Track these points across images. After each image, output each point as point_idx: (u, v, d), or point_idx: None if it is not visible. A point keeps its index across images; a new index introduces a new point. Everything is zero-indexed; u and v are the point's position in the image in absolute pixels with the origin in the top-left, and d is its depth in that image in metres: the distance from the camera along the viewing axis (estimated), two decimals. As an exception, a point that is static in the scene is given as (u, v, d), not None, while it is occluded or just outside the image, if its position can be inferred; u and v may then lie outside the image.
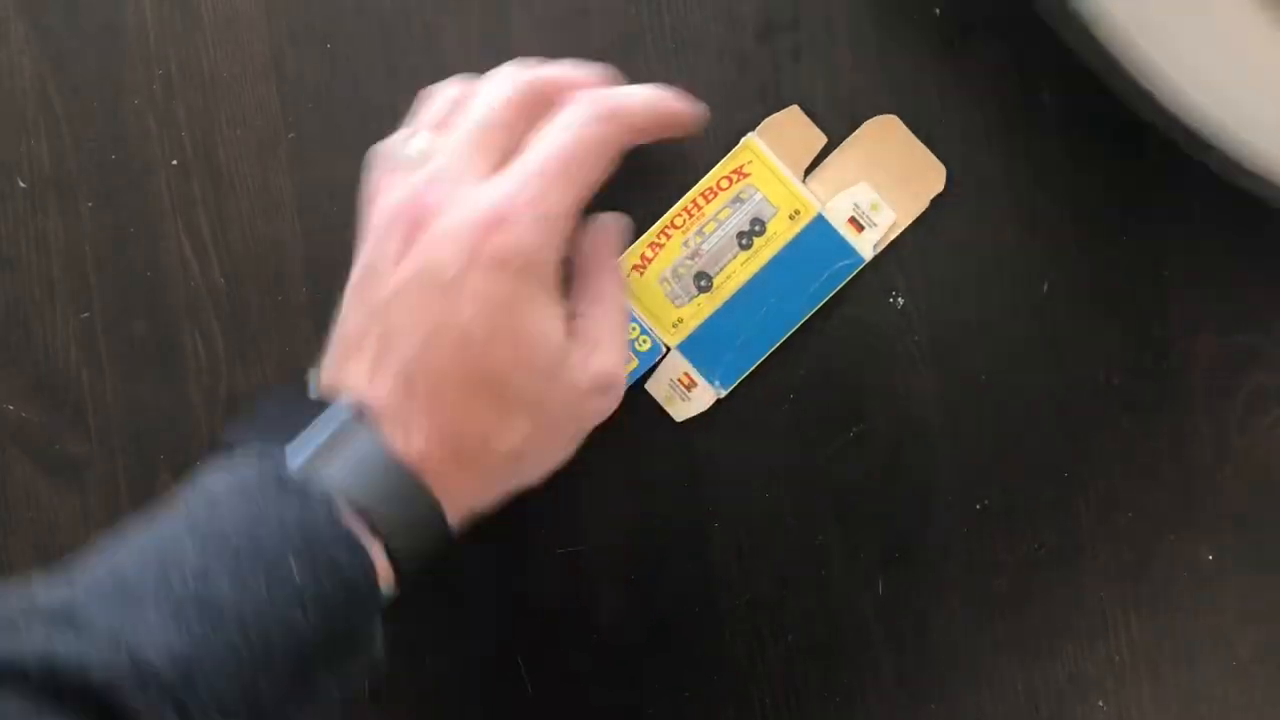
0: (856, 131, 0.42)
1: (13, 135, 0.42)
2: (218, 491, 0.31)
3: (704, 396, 0.42)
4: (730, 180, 0.42)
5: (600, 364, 0.37)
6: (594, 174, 0.36)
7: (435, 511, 0.34)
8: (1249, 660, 0.43)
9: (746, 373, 0.42)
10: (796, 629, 0.43)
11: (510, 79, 0.37)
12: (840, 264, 0.42)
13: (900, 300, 0.43)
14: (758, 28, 0.42)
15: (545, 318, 0.35)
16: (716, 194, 0.42)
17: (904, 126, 0.42)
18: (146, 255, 0.42)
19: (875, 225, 0.42)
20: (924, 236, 0.42)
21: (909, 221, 0.42)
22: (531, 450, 0.36)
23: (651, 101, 0.37)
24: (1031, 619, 0.43)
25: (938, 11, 0.42)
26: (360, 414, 0.33)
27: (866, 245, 0.42)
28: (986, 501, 0.43)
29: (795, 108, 0.42)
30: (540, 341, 0.35)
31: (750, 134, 0.42)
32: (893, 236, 0.42)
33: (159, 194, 0.42)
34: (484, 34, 0.43)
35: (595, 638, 0.43)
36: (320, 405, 0.34)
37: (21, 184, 0.42)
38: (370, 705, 0.43)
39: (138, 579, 0.29)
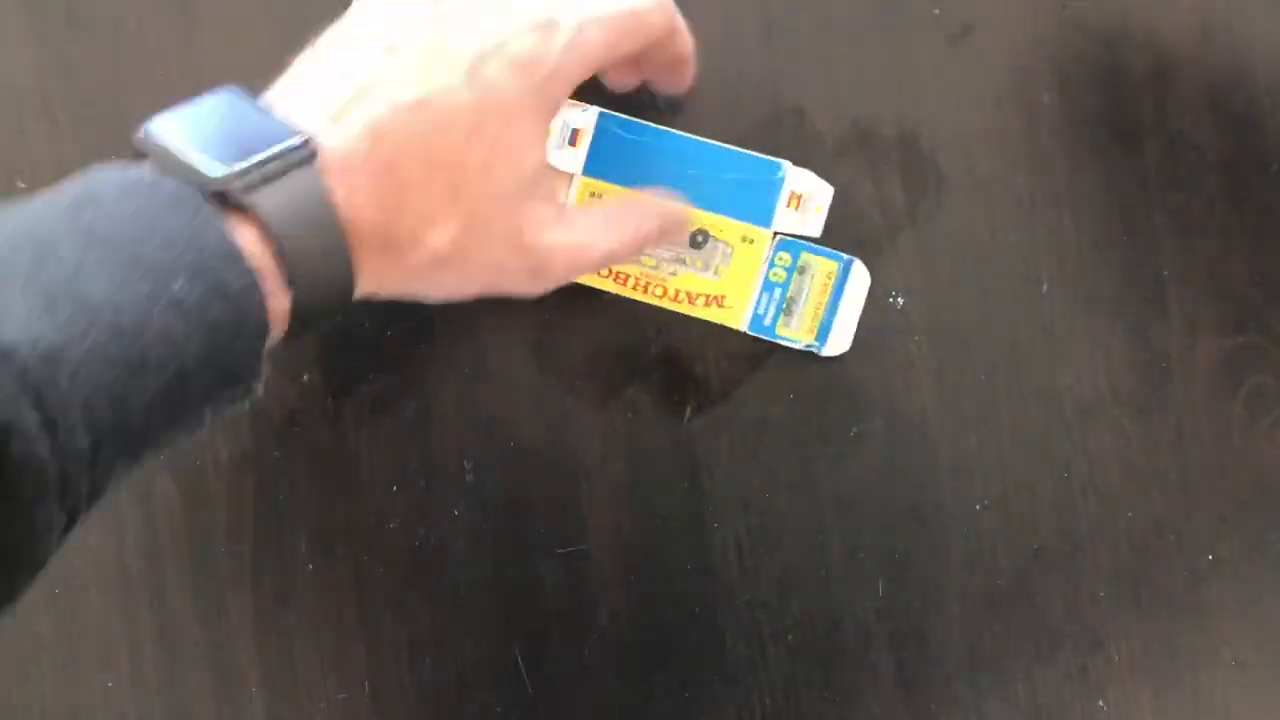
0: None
1: (13, 135, 0.42)
2: (106, 188, 0.29)
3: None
4: None
5: (553, 240, 0.35)
6: (629, 45, 0.35)
7: (348, 274, 0.31)
8: (1249, 660, 0.43)
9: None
10: (796, 629, 0.43)
11: None
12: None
13: (900, 300, 0.43)
14: (758, 28, 0.42)
15: (535, 144, 0.34)
16: None
17: None
18: (146, 255, 0.42)
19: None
20: (924, 236, 0.42)
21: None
22: (449, 264, 0.33)
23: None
24: (1031, 619, 0.43)
25: (937, 12, 0.42)
26: (312, 152, 0.30)
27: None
28: (986, 501, 0.43)
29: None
30: (519, 160, 0.33)
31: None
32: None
33: (159, 194, 0.42)
34: (484, 34, 0.42)
35: (595, 638, 0.43)
36: (266, 121, 0.31)
37: (21, 184, 0.42)
38: (370, 705, 0.43)
39: (8, 261, 0.26)
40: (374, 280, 0.32)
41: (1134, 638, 0.43)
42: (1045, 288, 0.43)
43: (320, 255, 0.30)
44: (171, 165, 0.30)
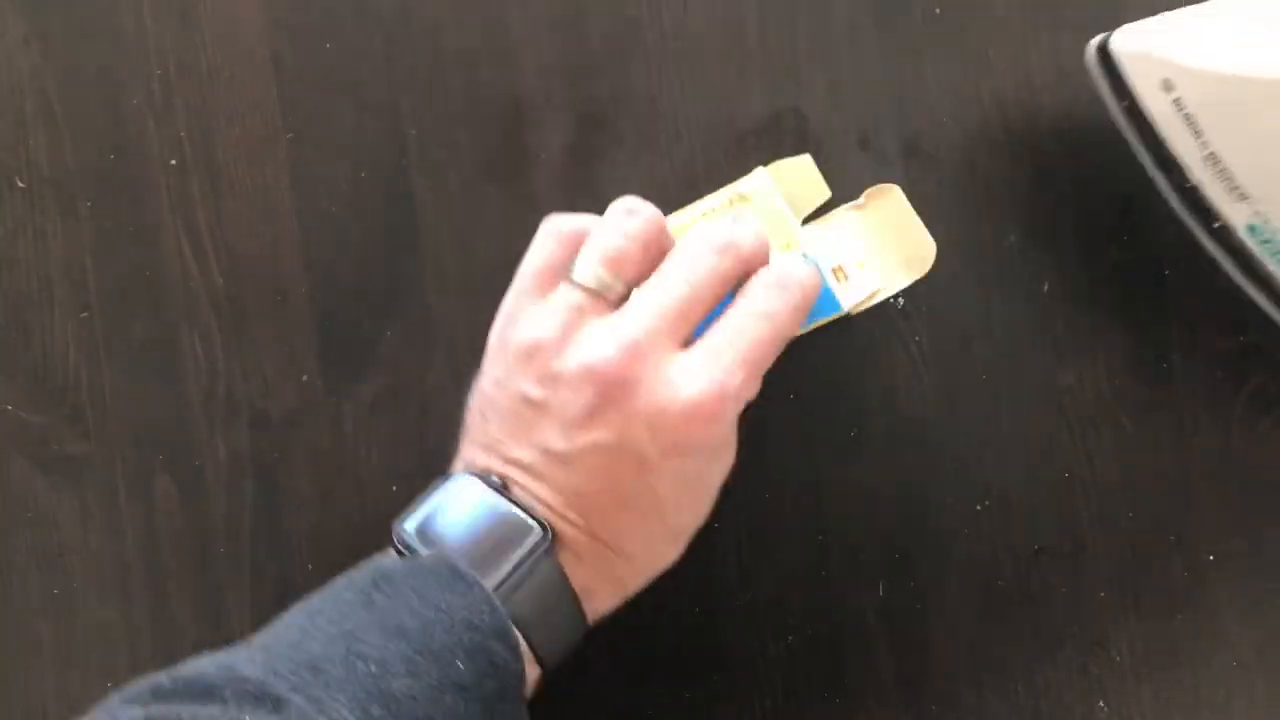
0: (861, 196, 0.42)
1: (12, 135, 0.42)
2: (393, 571, 0.34)
3: (867, 283, 0.42)
4: (733, 202, 0.42)
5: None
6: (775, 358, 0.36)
7: (583, 625, 0.36)
8: (1249, 660, 0.43)
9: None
10: (796, 629, 0.43)
11: (713, 249, 0.35)
12: (821, 307, 0.42)
13: (900, 300, 0.43)
14: (758, 28, 0.42)
15: (725, 473, 0.37)
16: (716, 210, 0.42)
17: (905, 199, 0.42)
18: (146, 255, 0.42)
19: (859, 285, 0.42)
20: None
21: (892, 291, 0.42)
22: (652, 561, 0.37)
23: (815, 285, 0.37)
24: (1031, 619, 0.43)
25: (938, 11, 0.42)
26: (551, 541, 0.34)
27: (847, 298, 0.42)
28: (986, 501, 0.43)
29: (807, 157, 0.42)
30: (717, 493, 0.37)
31: (762, 166, 0.42)
32: (873, 302, 0.42)
33: (158, 194, 0.42)
34: (484, 34, 0.43)
35: (595, 638, 0.43)
36: (510, 515, 0.34)
37: (20, 184, 0.42)
38: (370, 705, 0.43)
39: (326, 662, 0.31)
40: (595, 613, 0.36)
41: (1134, 637, 0.43)
42: (1046, 287, 0.43)
43: (561, 626, 0.35)
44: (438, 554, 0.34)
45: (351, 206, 0.43)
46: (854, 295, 0.42)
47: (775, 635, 0.43)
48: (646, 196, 0.42)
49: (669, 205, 0.42)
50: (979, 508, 0.43)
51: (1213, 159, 0.35)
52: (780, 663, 0.43)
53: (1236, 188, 0.35)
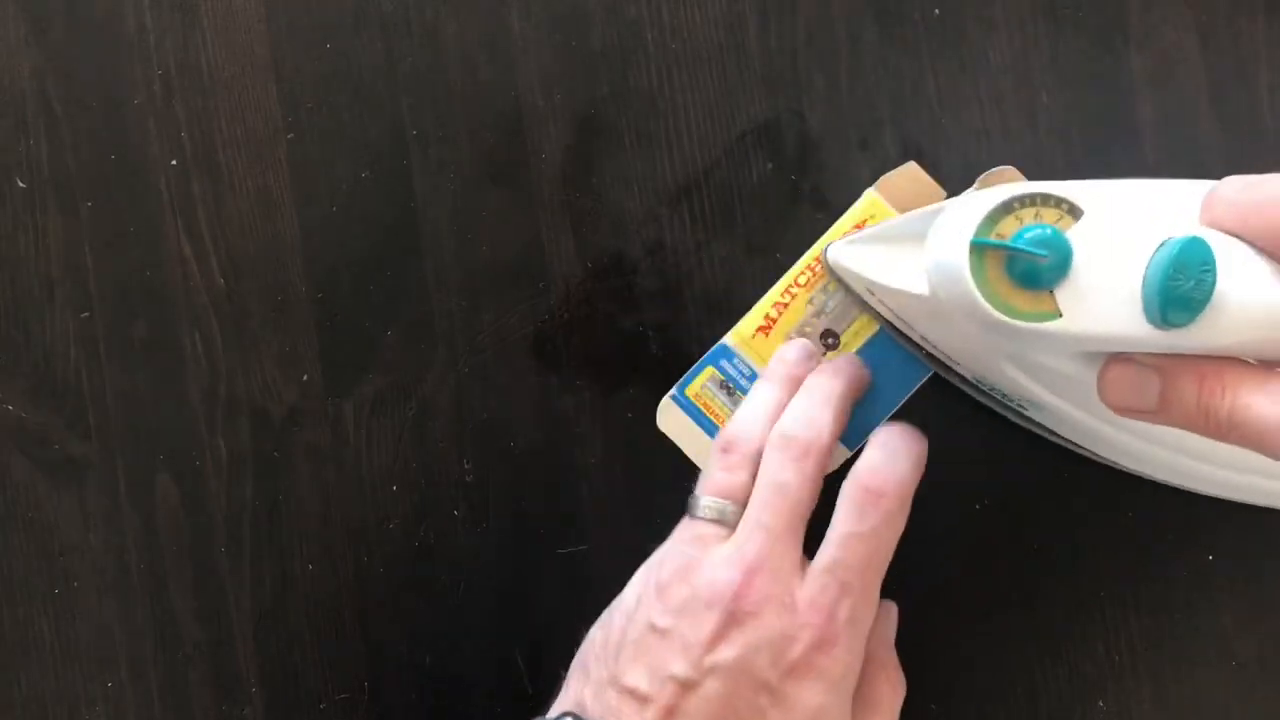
0: (976, 182, 0.42)
1: (12, 135, 0.42)
2: None
3: (833, 455, 0.41)
4: (846, 234, 0.42)
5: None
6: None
7: None
8: (1249, 660, 0.43)
9: (877, 428, 0.42)
10: (796, 629, 0.43)
11: (792, 458, 0.37)
12: None
13: (900, 300, 0.43)
14: (758, 28, 0.42)
15: (848, 701, 0.36)
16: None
17: (1022, 176, 0.41)
18: (146, 255, 0.42)
19: None
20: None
21: None
22: None
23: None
24: (1031, 619, 0.43)
25: (937, 12, 0.42)
26: None
27: None
28: (986, 501, 0.43)
29: (913, 163, 0.42)
30: None
31: (870, 189, 0.42)
32: None
33: (159, 194, 0.42)
34: (484, 34, 0.43)
35: (595, 638, 0.43)
36: None
37: (21, 184, 0.42)
38: (370, 705, 0.43)
39: None
40: None
41: (1134, 637, 0.43)
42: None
43: None
44: None
45: (351, 206, 0.43)
46: None
47: (775, 635, 0.43)
48: (646, 196, 0.42)
49: (670, 205, 0.42)
50: (979, 508, 0.43)
51: (925, 340, 0.40)
52: (780, 663, 0.43)
53: (952, 362, 0.40)
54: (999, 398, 0.40)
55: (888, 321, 0.40)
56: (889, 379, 0.42)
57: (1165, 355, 0.32)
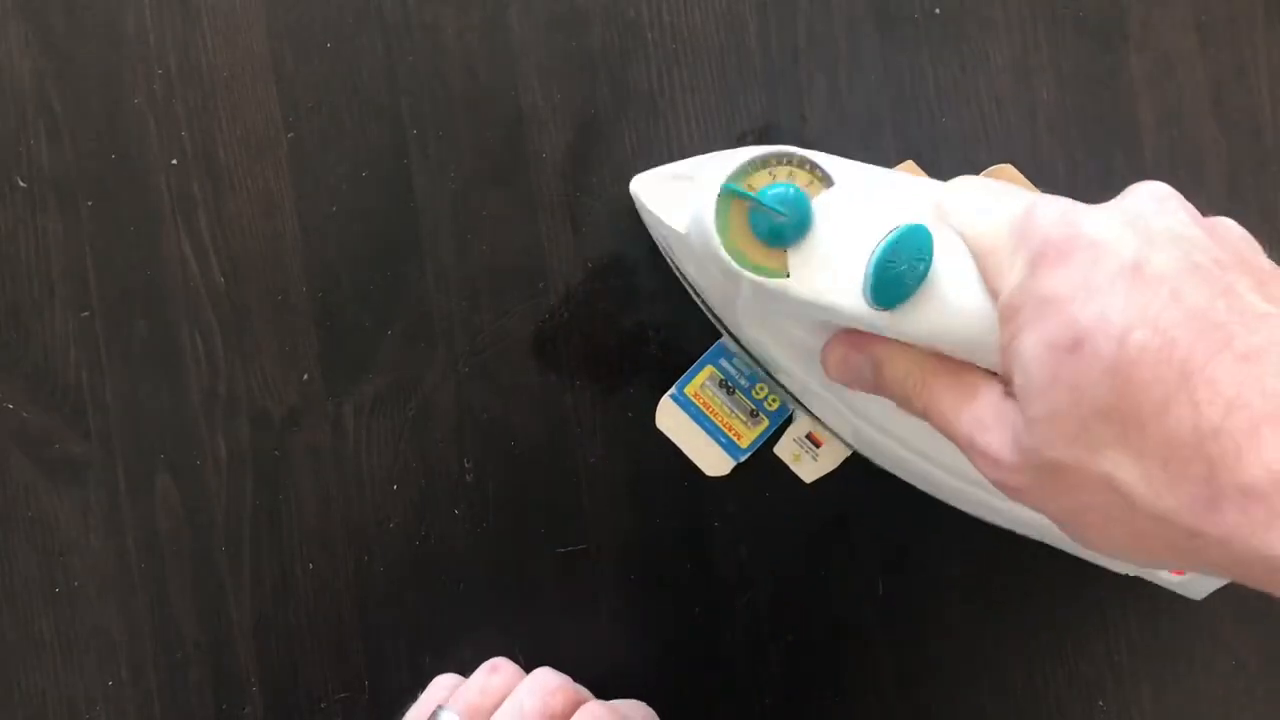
0: None
1: (12, 135, 0.42)
2: None
3: (832, 454, 0.42)
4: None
5: None
6: None
7: None
8: (1249, 660, 0.43)
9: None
10: (796, 629, 0.43)
11: (544, 701, 0.37)
12: None
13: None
14: (758, 28, 0.42)
15: None
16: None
17: (1019, 174, 0.42)
18: (146, 255, 0.42)
19: None
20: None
21: None
22: None
23: None
24: (1032, 619, 0.43)
25: (937, 11, 0.42)
26: None
27: None
28: (986, 501, 0.43)
29: (910, 163, 0.42)
30: None
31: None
32: None
33: (159, 194, 0.42)
34: (484, 34, 0.43)
35: (595, 637, 0.43)
36: None
37: (21, 183, 0.42)
38: (370, 705, 0.43)
39: None
40: None
41: (1134, 637, 0.43)
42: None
43: None
44: None
45: (351, 206, 0.43)
46: None
47: (775, 635, 0.43)
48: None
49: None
50: (979, 508, 0.43)
51: (693, 284, 0.40)
52: (780, 663, 0.43)
53: (714, 311, 0.40)
54: (753, 356, 0.41)
55: (672, 263, 0.41)
56: None
57: (879, 340, 0.33)
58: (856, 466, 0.43)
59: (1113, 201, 0.30)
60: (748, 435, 0.42)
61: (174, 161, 0.42)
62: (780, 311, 0.36)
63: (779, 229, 0.32)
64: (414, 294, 0.43)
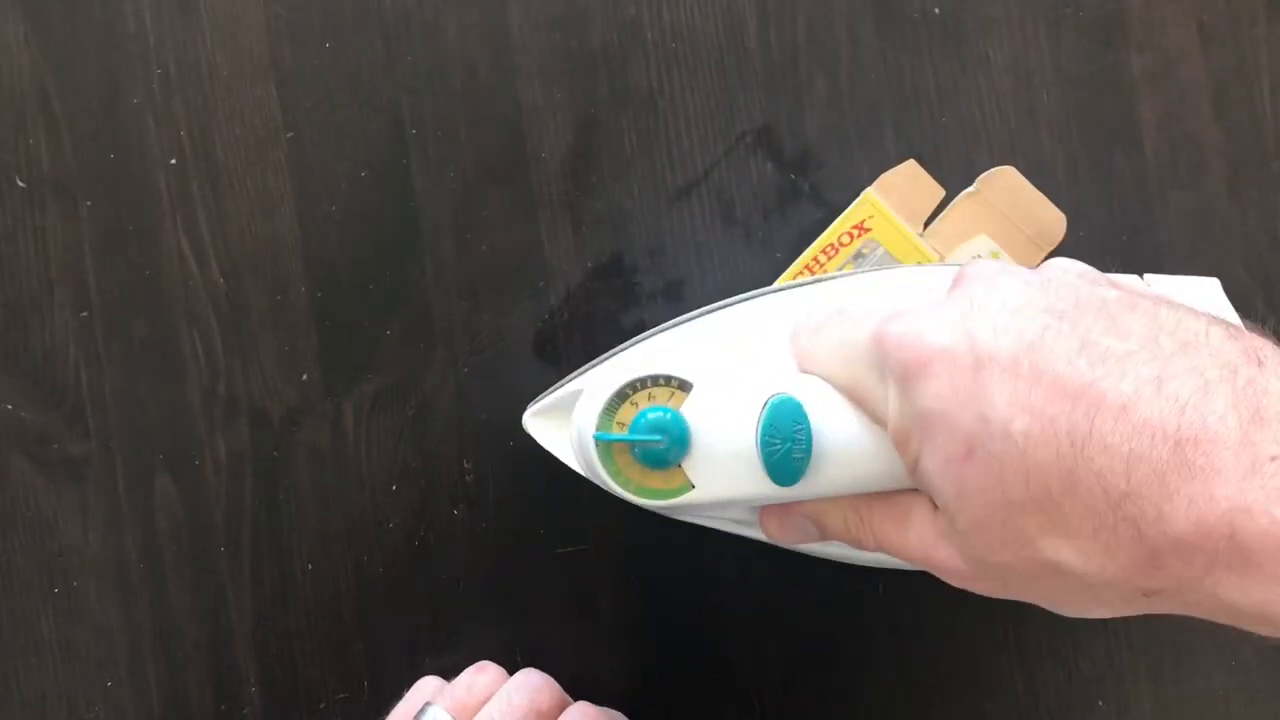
0: (974, 183, 0.42)
1: (12, 135, 0.42)
2: None
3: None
4: (851, 235, 0.42)
5: None
6: None
7: None
8: (1249, 660, 0.43)
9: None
10: (796, 629, 0.43)
11: (530, 698, 0.37)
12: None
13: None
14: (758, 28, 0.42)
15: None
16: (838, 250, 0.42)
17: (1021, 176, 0.42)
18: (146, 255, 0.42)
19: None
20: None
21: None
22: None
23: None
24: (1031, 619, 0.43)
25: (937, 11, 0.42)
26: None
27: None
28: (986, 501, 0.43)
29: (912, 162, 0.42)
30: None
31: (869, 188, 0.42)
32: None
33: (158, 194, 0.42)
34: (483, 34, 0.43)
35: (595, 638, 0.43)
36: None
37: (20, 183, 0.42)
38: (370, 705, 0.43)
39: None
40: None
41: (1134, 637, 0.43)
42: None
43: None
44: None
45: (351, 206, 0.43)
46: None
47: (775, 635, 0.43)
48: (645, 197, 0.42)
49: (670, 207, 0.42)
50: (979, 508, 0.43)
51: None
52: (780, 663, 0.43)
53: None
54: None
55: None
56: None
57: (807, 503, 0.34)
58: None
59: (948, 294, 0.30)
60: None
61: (173, 161, 0.42)
62: (706, 514, 0.37)
63: (662, 454, 0.33)
64: (414, 294, 0.43)
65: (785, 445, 0.31)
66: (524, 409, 0.42)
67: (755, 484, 0.32)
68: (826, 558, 0.41)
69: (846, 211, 0.42)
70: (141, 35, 0.42)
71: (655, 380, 0.34)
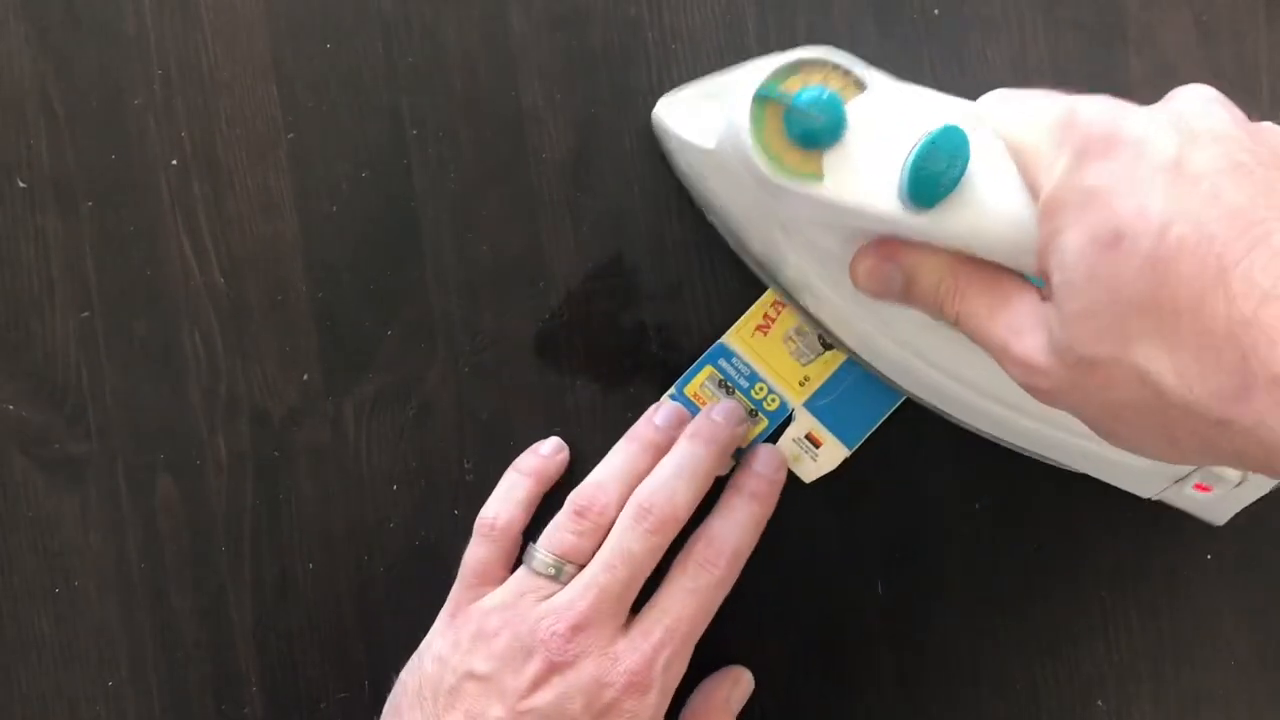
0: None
1: (12, 135, 0.42)
2: None
3: (832, 454, 0.42)
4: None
5: None
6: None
7: None
8: (1249, 660, 0.43)
9: (875, 427, 0.42)
10: (796, 629, 0.43)
11: (647, 529, 0.38)
12: None
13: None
14: (758, 28, 0.42)
15: None
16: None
17: None
18: (146, 255, 0.42)
19: None
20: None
21: None
22: None
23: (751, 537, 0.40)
24: (1031, 619, 0.43)
25: (937, 12, 0.43)
26: None
27: None
28: (986, 501, 0.43)
29: None
30: None
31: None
32: None
33: (159, 194, 0.42)
34: (483, 34, 0.43)
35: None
36: None
37: (21, 184, 0.42)
38: (370, 705, 0.43)
39: None
40: None
41: (1134, 637, 0.43)
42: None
43: None
44: None
45: (351, 206, 0.43)
46: None
47: (775, 635, 0.43)
48: (645, 197, 0.42)
49: (670, 204, 0.42)
50: (979, 507, 0.43)
51: (708, 206, 0.40)
52: (780, 663, 0.43)
53: (731, 230, 0.40)
54: (785, 285, 0.40)
55: (690, 189, 0.41)
56: (871, 392, 0.42)
57: (911, 247, 0.33)
58: (857, 466, 0.43)
59: (1158, 103, 0.30)
60: (747, 435, 0.42)
61: (174, 161, 0.42)
62: (812, 221, 0.35)
63: (813, 132, 0.32)
64: (414, 294, 0.43)
65: (936, 168, 0.31)
66: (524, 409, 0.43)
67: (884, 200, 0.32)
68: (912, 394, 0.41)
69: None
70: (142, 35, 0.42)
71: (835, 67, 0.33)
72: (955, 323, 0.33)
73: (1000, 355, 0.32)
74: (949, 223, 0.32)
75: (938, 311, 0.34)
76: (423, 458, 0.43)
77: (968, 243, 0.32)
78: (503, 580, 0.40)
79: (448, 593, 0.42)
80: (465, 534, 0.42)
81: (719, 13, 0.42)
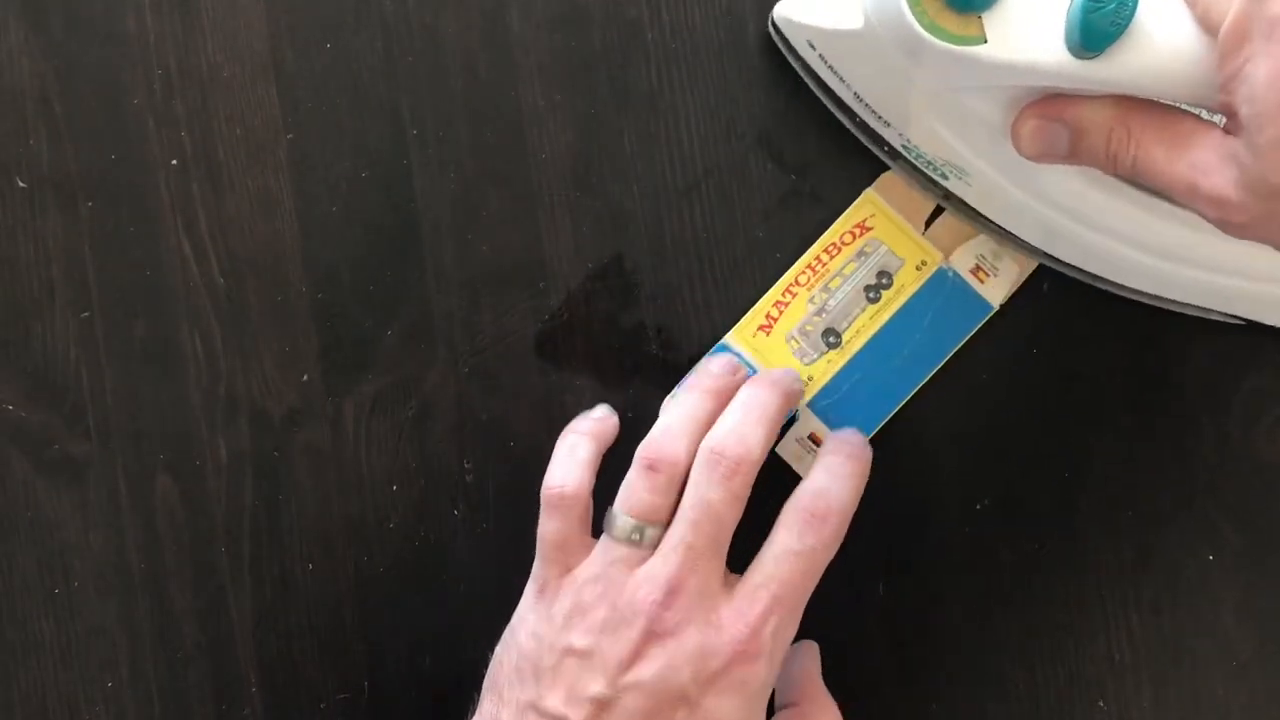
0: None
1: (12, 135, 0.42)
2: None
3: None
4: (853, 235, 0.42)
5: None
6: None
7: None
8: (1249, 660, 0.43)
9: (878, 427, 0.42)
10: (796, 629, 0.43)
11: (723, 476, 0.37)
12: (971, 312, 0.42)
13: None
14: (758, 28, 0.42)
15: (763, 711, 0.37)
16: (840, 249, 0.42)
17: None
18: (146, 255, 0.42)
19: (1000, 273, 0.42)
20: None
21: (1031, 270, 0.42)
22: None
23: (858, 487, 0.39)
24: (1032, 619, 0.43)
25: (937, 11, 0.42)
26: None
27: (994, 294, 0.42)
28: (986, 501, 0.43)
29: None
30: None
31: (869, 188, 0.42)
32: (1018, 285, 0.42)
33: (159, 194, 0.42)
34: (484, 34, 0.43)
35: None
36: None
37: (21, 184, 0.42)
38: (370, 705, 0.43)
39: None
40: None
41: (1134, 637, 0.43)
42: (1045, 287, 0.43)
43: None
44: None
45: (351, 206, 0.43)
46: (1000, 286, 0.42)
47: (775, 635, 0.43)
48: (645, 197, 0.42)
49: (670, 207, 0.42)
50: (979, 508, 0.43)
51: (857, 98, 0.39)
52: (780, 663, 0.43)
53: (879, 117, 0.39)
54: (925, 168, 0.40)
55: (821, 90, 0.40)
56: (889, 380, 0.42)
57: (1076, 101, 0.32)
58: (856, 466, 0.43)
59: None
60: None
61: (174, 162, 0.42)
62: (968, 88, 0.35)
63: None
64: (414, 294, 0.43)
65: (1106, 8, 0.30)
66: (524, 409, 0.43)
67: (1051, 53, 0.31)
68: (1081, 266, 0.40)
69: (847, 211, 0.42)
70: (142, 35, 0.42)
71: None
72: (1132, 170, 0.32)
73: (1188, 195, 0.31)
74: (1120, 66, 0.31)
75: (1110, 164, 0.33)
76: (422, 458, 0.43)
77: (1139, 86, 0.31)
78: (583, 546, 0.38)
79: (448, 592, 0.42)
80: (465, 534, 0.43)
81: (719, 13, 0.42)
